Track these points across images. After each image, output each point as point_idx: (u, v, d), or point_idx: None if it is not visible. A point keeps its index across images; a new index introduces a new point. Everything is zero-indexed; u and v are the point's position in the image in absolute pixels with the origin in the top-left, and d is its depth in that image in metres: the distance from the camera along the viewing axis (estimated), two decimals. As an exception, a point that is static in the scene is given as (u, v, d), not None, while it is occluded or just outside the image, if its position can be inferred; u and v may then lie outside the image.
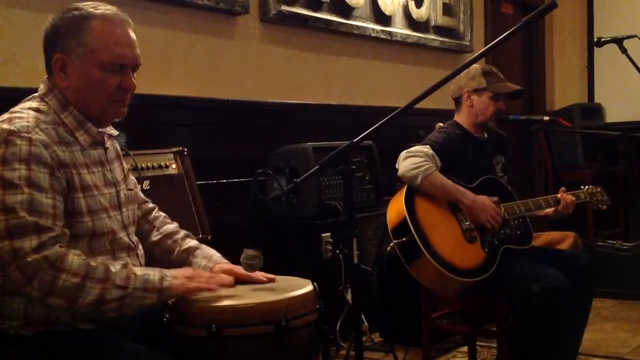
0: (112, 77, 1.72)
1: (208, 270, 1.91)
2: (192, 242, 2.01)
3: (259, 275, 1.92)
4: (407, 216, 2.54)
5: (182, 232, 2.04)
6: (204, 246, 2.02)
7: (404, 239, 2.52)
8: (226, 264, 1.95)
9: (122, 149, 1.98)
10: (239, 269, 1.90)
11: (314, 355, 1.88)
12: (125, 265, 1.68)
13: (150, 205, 2.07)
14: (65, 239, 1.62)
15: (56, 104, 1.72)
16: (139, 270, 1.69)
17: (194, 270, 1.83)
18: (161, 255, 1.99)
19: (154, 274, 1.70)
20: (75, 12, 1.71)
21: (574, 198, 2.95)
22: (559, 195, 2.93)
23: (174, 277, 1.72)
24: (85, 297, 1.58)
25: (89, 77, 1.71)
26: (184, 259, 1.97)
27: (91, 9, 1.72)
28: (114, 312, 1.64)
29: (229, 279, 1.83)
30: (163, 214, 2.08)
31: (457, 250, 2.59)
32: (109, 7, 1.76)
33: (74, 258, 1.59)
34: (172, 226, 2.05)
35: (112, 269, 1.63)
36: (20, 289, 1.56)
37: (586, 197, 3.02)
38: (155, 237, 2.01)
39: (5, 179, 1.57)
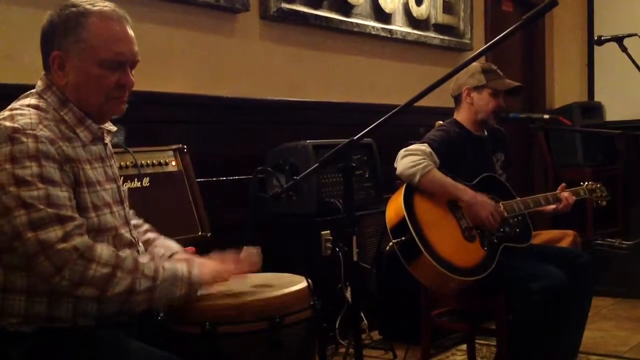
0: (111, 74, 1.72)
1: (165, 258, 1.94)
2: (152, 235, 2.03)
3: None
4: (405, 215, 2.54)
5: (145, 226, 2.05)
6: (163, 237, 2.04)
7: (403, 238, 2.52)
8: (182, 250, 1.99)
9: (121, 146, 1.98)
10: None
11: (309, 352, 1.89)
12: (152, 258, 1.70)
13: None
14: (85, 229, 1.62)
15: (55, 100, 1.72)
16: (167, 264, 1.71)
17: (216, 259, 1.85)
18: None
19: (181, 266, 1.72)
20: (73, 9, 1.71)
21: (575, 198, 2.96)
22: (559, 194, 2.93)
23: (202, 270, 1.75)
24: (115, 287, 1.59)
25: (88, 74, 1.70)
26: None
27: (88, 6, 1.72)
28: (144, 304, 1.65)
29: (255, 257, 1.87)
30: (131, 210, 2.08)
31: (456, 249, 2.59)
32: (106, 3, 1.75)
33: (103, 248, 1.60)
34: (136, 221, 2.04)
35: (141, 260, 1.65)
36: (49, 280, 1.55)
37: (586, 194, 3.02)
38: None
39: (18, 176, 1.56)
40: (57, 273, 1.54)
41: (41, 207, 1.55)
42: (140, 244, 1.89)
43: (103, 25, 1.70)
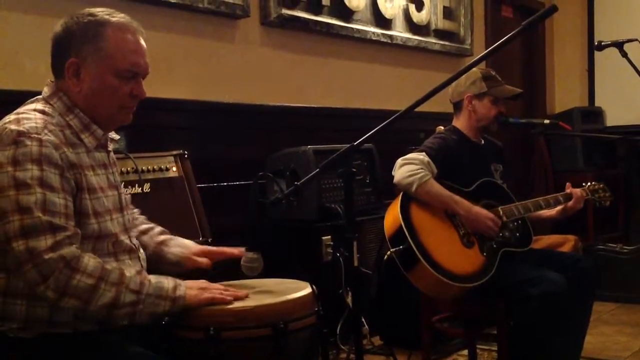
0: (125, 84, 1.74)
1: (184, 256, 1.96)
2: (166, 236, 2.04)
3: (227, 250, 1.99)
4: (402, 224, 2.54)
5: (158, 228, 2.05)
6: (177, 237, 2.05)
7: (401, 247, 2.52)
8: (198, 247, 2.01)
9: (122, 152, 2.00)
10: (212, 247, 1.99)
11: (312, 358, 1.88)
12: (139, 272, 1.70)
13: (135, 209, 2.09)
14: (78, 238, 1.63)
15: (61, 106, 1.73)
16: (154, 278, 1.70)
17: (208, 282, 1.82)
18: None
19: (167, 282, 1.70)
20: (91, 18, 1.73)
21: (585, 192, 2.95)
22: (569, 190, 2.92)
23: (189, 287, 1.73)
24: (99, 299, 1.58)
25: (103, 83, 1.72)
26: (159, 251, 1.99)
27: (107, 16, 1.74)
28: (126, 318, 1.64)
29: (243, 292, 1.83)
30: (143, 216, 2.09)
31: (455, 256, 2.59)
32: (122, 15, 1.78)
33: (90, 259, 1.60)
34: (149, 225, 2.06)
35: (127, 274, 1.64)
36: (35, 289, 1.56)
37: (588, 195, 3.00)
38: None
39: (18, 179, 1.57)
40: (42, 282, 1.55)
41: (37, 213, 1.56)
42: (141, 250, 1.89)
43: (121, 36, 1.73)
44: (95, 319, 1.66)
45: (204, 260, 1.97)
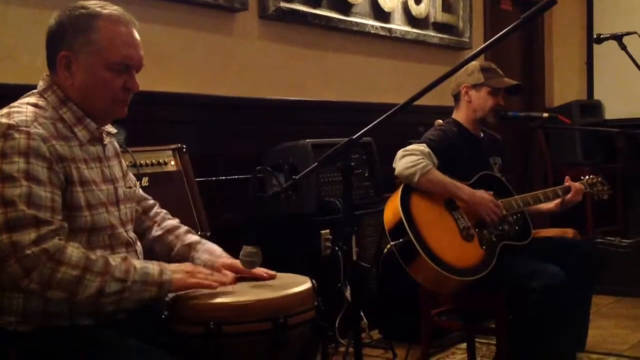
0: (118, 77, 1.73)
1: (210, 265, 1.91)
2: (194, 237, 2.01)
3: (260, 271, 1.92)
4: (402, 217, 2.54)
5: (184, 228, 2.04)
6: (205, 241, 2.02)
7: (401, 240, 2.52)
8: (228, 259, 1.95)
9: (120, 146, 1.98)
10: (241, 267, 1.89)
11: (312, 353, 1.88)
12: (124, 259, 1.68)
13: (151, 202, 2.07)
14: (64, 232, 1.62)
15: (55, 99, 1.73)
16: (139, 264, 1.69)
17: (194, 266, 1.82)
18: (162, 250, 1.99)
19: (153, 267, 1.69)
20: (83, 11, 1.72)
21: (584, 187, 2.95)
22: (567, 184, 2.92)
23: (174, 271, 1.72)
24: (85, 290, 1.58)
25: (95, 75, 1.71)
26: (186, 254, 1.97)
27: (98, 9, 1.73)
28: (113, 306, 1.64)
29: (229, 277, 1.82)
30: (164, 211, 2.08)
31: (455, 249, 2.59)
32: (115, 7, 1.77)
33: (74, 251, 1.59)
34: (174, 222, 2.05)
35: (112, 262, 1.63)
36: (18, 283, 1.55)
37: (587, 188, 3.01)
38: (156, 232, 2.01)
39: (4, 172, 1.57)
40: (25, 276, 1.53)
41: (21, 207, 1.55)
42: (138, 243, 1.89)
43: (113, 28, 1.72)
44: (83, 309, 1.66)
45: (230, 274, 1.87)
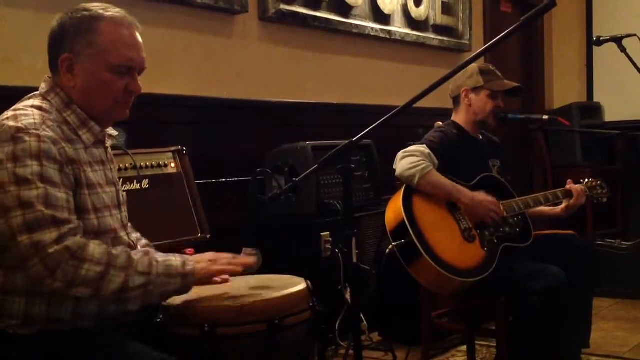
0: (120, 79, 1.73)
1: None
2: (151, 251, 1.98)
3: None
4: (405, 218, 2.54)
5: (143, 241, 2.02)
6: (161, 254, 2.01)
7: (403, 240, 2.52)
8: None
9: (120, 148, 1.99)
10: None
11: (308, 353, 1.89)
12: (146, 253, 1.69)
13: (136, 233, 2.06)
14: (82, 231, 1.62)
15: (59, 102, 1.73)
16: (161, 257, 1.70)
17: (215, 253, 1.83)
18: None
19: (175, 259, 1.70)
20: (85, 13, 1.72)
21: (584, 187, 2.95)
22: (569, 187, 2.92)
23: (197, 261, 1.73)
24: (109, 285, 1.58)
25: (97, 78, 1.72)
26: None
27: (101, 11, 1.73)
28: (138, 300, 1.64)
29: (252, 259, 1.84)
30: (145, 240, 2.06)
31: (456, 250, 2.59)
32: (117, 9, 1.77)
33: (96, 247, 1.59)
34: (135, 234, 2.01)
35: (134, 257, 1.64)
36: (42, 282, 1.55)
37: (586, 192, 3.01)
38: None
39: (19, 175, 1.57)
40: (50, 275, 1.54)
41: (38, 207, 1.55)
42: (139, 247, 1.89)
43: (114, 30, 1.72)
44: (110, 304, 1.66)
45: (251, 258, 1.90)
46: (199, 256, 1.77)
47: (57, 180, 1.61)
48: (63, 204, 1.60)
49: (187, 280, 1.69)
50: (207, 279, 1.74)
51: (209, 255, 1.80)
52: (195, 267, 1.71)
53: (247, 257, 1.83)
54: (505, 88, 2.91)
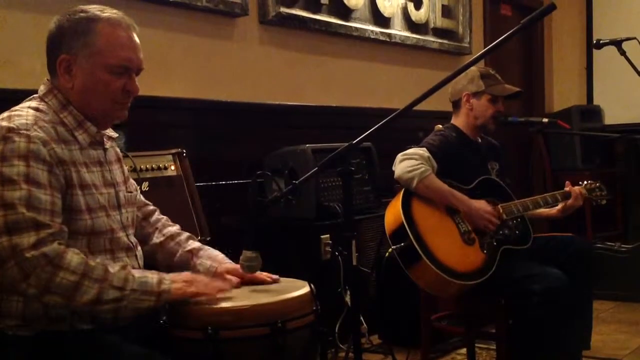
0: (117, 80, 1.74)
1: (213, 270, 1.91)
2: (195, 244, 2.01)
3: (263, 275, 1.92)
4: (404, 221, 2.54)
5: (185, 234, 2.04)
6: (207, 247, 2.02)
7: (402, 244, 2.52)
8: (230, 264, 1.95)
9: (120, 151, 1.98)
10: (242, 272, 1.90)
11: (311, 357, 1.88)
12: (124, 267, 1.68)
13: (151, 207, 2.07)
14: (64, 235, 1.62)
15: (56, 103, 1.73)
16: (138, 273, 1.69)
17: (192, 275, 1.81)
18: (164, 257, 1.99)
19: (152, 276, 1.69)
20: (82, 14, 1.73)
21: (583, 190, 2.95)
22: (567, 189, 2.92)
23: (173, 280, 1.71)
24: (82, 295, 1.58)
25: (95, 78, 1.72)
26: (187, 260, 1.96)
27: (98, 12, 1.74)
28: (110, 314, 1.64)
29: (227, 284, 1.82)
30: (165, 217, 2.08)
31: (456, 253, 2.59)
32: (114, 10, 1.77)
33: (73, 256, 1.59)
34: (174, 228, 2.04)
35: (111, 270, 1.63)
36: (16, 286, 1.55)
37: (585, 194, 3.01)
38: (157, 239, 2.01)
39: (4, 175, 1.57)
40: (24, 279, 1.54)
41: (21, 209, 1.55)
42: (139, 248, 1.89)
43: (112, 31, 1.72)
44: (82, 314, 1.65)
45: (233, 278, 1.89)
46: (174, 275, 1.75)
47: (44, 181, 1.60)
48: (46, 206, 1.59)
49: (162, 298, 1.67)
50: (180, 298, 1.71)
51: (185, 275, 1.77)
52: (171, 287, 1.69)
53: (223, 282, 1.82)
54: (506, 93, 2.91)
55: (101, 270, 1.61)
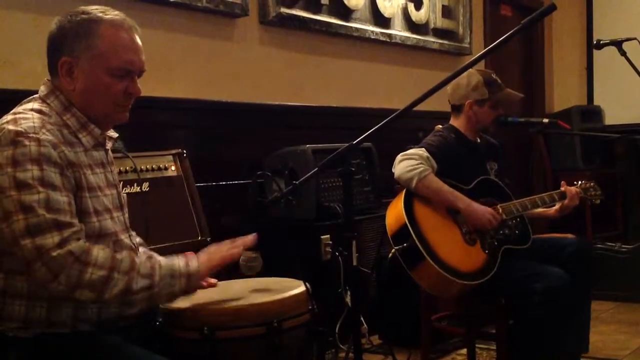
0: (119, 82, 1.73)
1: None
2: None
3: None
4: (407, 221, 2.54)
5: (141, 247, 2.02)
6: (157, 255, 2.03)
7: (405, 244, 2.52)
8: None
9: (120, 151, 1.98)
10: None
11: (307, 356, 1.89)
12: (150, 257, 1.70)
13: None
14: (84, 234, 1.62)
15: (58, 105, 1.73)
16: (164, 260, 1.71)
17: (212, 246, 1.85)
18: None
19: (178, 260, 1.72)
20: (84, 16, 1.72)
21: (578, 189, 2.96)
22: (563, 189, 2.93)
23: (198, 259, 1.74)
24: (113, 289, 1.59)
25: (96, 81, 1.71)
26: None
27: (100, 14, 1.73)
28: (144, 302, 1.65)
29: (250, 238, 1.86)
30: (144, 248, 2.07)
31: (459, 253, 2.59)
32: (116, 12, 1.76)
33: (99, 251, 1.60)
34: (143, 248, 2.02)
35: (137, 260, 1.65)
36: (47, 286, 1.56)
37: (580, 193, 3.02)
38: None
39: (19, 180, 1.57)
40: (54, 279, 1.54)
41: (40, 211, 1.55)
42: (140, 249, 1.89)
43: (114, 33, 1.72)
44: (114, 307, 1.68)
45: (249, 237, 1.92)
46: (198, 253, 1.78)
47: (58, 183, 1.61)
48: (65, 207, 1.60)
49: (192, 278, 1.70)
50: (212, 271, 1.76)
51: (207, 250, 1.82)
52: (198, 265, 1.72)
53: (245, 239, 1.84)
54: (510, 101, 2.93)
55: (128, 261, 1.63)
